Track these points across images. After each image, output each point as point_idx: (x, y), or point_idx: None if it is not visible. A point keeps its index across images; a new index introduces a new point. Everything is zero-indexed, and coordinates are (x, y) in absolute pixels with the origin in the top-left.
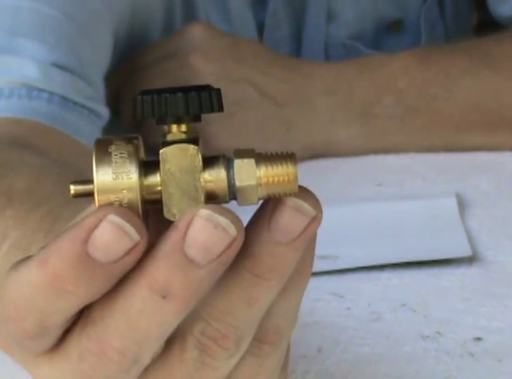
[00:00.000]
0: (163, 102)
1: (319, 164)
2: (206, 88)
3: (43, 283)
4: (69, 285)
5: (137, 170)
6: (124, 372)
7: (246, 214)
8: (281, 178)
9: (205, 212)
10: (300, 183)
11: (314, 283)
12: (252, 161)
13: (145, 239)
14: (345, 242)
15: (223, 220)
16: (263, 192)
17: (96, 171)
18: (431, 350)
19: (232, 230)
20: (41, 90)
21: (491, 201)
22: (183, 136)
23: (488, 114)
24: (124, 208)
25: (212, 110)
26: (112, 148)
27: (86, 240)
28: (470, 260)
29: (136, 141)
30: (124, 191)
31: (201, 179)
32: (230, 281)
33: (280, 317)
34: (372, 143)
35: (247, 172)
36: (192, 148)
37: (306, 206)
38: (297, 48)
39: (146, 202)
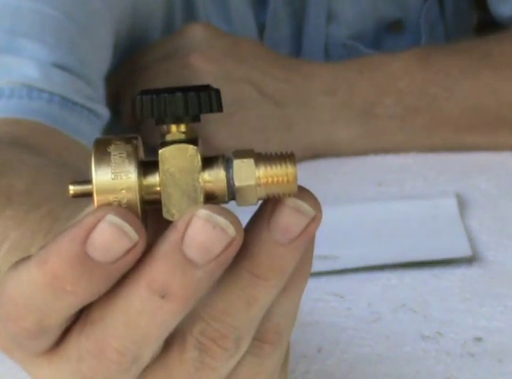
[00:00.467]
0: (163, 102)
1: (319, 164)
2: (205, 88)
3: (42, 283)
4: (68, 285)
5: (136, 170)
6: (123, 372)
7: (245, 214)
8: (280, 179)
9: (203, 212)
10: (300, 183)
11: (314, 283)
12: (251, 161)
13: (144, 239)
14: (345, 242)
15: (221, 220)
16: (262, 192)
17: (95, 171)
18: (431, 351)
19: (231, 231)
20: (41, 90)
21: (491, 201)
22: (182, 136)
23: (488, 114)
24: (123, 208)
25: (211, 111)
26: (111, 148)
27: (85, 240)
28: (470, 260)
29: (135, 141)
30: (123, 191)
31: (200, 179)
32: (229, 281)
33: (281, 317)
34: (372, 143)
35: (246, 172)
36: (191, 149)
37: (305, 206)
38: (297, 48)
39: (145, 202)
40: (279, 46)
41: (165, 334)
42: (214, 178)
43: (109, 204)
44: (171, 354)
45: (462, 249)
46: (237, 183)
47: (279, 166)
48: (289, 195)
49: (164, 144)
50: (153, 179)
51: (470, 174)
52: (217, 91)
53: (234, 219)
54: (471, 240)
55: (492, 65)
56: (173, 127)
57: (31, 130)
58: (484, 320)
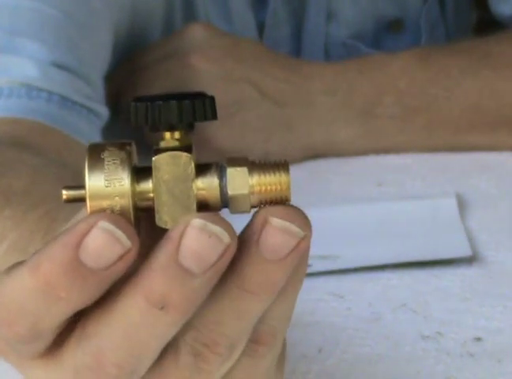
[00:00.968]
0: (157, 109)
1: (319, 164)
2: (200, 95)
3: (34, 289)
4: (61, 290)
5: (130, 176)
6: None
7: (237, 221)
8: (274, 187)
9: (198, 221)
10: (301, 183)
11: (314, 283)
12: (245, 170)
13: (137, 246)
14: (345, 241)
15: (216, 229)
16: (256, 200)
17: (89, 177)
18: (431, 351)
19: (226, 238)
20: (40, 89)
21: (491, 201)
22: (176, 143)
23: (488, 114)
24: (116, 215)
25: (205, 119)
26: (105, 154)
27: (78, 246)
28: (470, 260)
29: (129, 147)
30: (116, 197)
31: (194, 187)
32: (219, 294)
33: (275, 320)
34: (372, 143)
35: (240, 181)
36: (185, 156)
37: (293, 227)
38: (297, 48)
39: (138, 209)
40: (279, 45)
41: (163, 344)
42: (207, 185)
43: (102, 211)
44: (166, 361)
45: (462, 249)
46: (230, 192)
47: (272, 175)
48: (283, 203)
49: (158, 151)
50: (146, 186)
51: (470, 174)
52: (212, 99)
53: (228, 226)
54: (471, 240)
55: (492, 65)
56: (167, 134)
57: (30, 130)
58: (484, 320)
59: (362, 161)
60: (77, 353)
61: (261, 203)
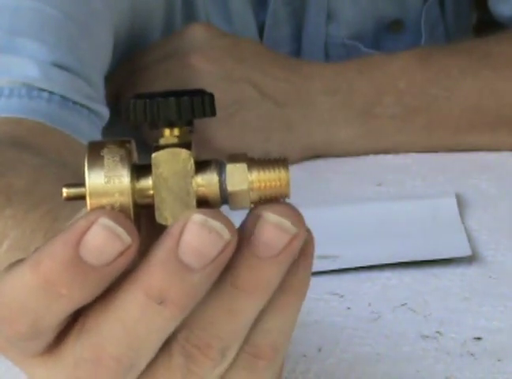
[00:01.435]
0: (156, 106)
1: (319, 164)
2: (199, 92)
3: (35, 286)
4: (62, 288)
5: (129, 173)
6: (120, 378)
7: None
8: (273, 183)
9: (198, 216)
10: (301, 183)
11: (313, 282)
12: (244, 166)
13: (137, 242)
14: (345, 241)
15: (217, 224)
16: (255, 196)
17: (88, 175)
18: (431, 350)
19: (226, 234)
20: (41, 90)
21: (491, 201)
22: (176, 140)
23: (488, 114)
24: (116, 212)
25: (204, 115)
26: (104, 152)
27: (78, 243)
28: (470, 260)
29: (128, 145)
30: (116, 195)
31: (193, 184)
32: (212, 292)
33: (276, 334)
34: (372, 143)
35: (239, 177)
36: (184, 153)
37: (288, 224)
38: (297, 48)
39: (138, 206)
40: (279, 45)
41: (162, 340)
42: (207, 182)
43: (102, 208)
44: (158, 361)
45: (462, 249)
46: (230, 188)
47: (272, 171)
48: (282, 199)
49: (157, 148)
50: (146, 183)
51: (470, 174)
52: (211, 96)
53: (228, 222)
54: (471, 240)
55: (492, 65)
56: (166, 131)
57: (30, 130)
58: (484, 319)
59: (362, 161)
60: (77, 347)
61: (261, 199)
